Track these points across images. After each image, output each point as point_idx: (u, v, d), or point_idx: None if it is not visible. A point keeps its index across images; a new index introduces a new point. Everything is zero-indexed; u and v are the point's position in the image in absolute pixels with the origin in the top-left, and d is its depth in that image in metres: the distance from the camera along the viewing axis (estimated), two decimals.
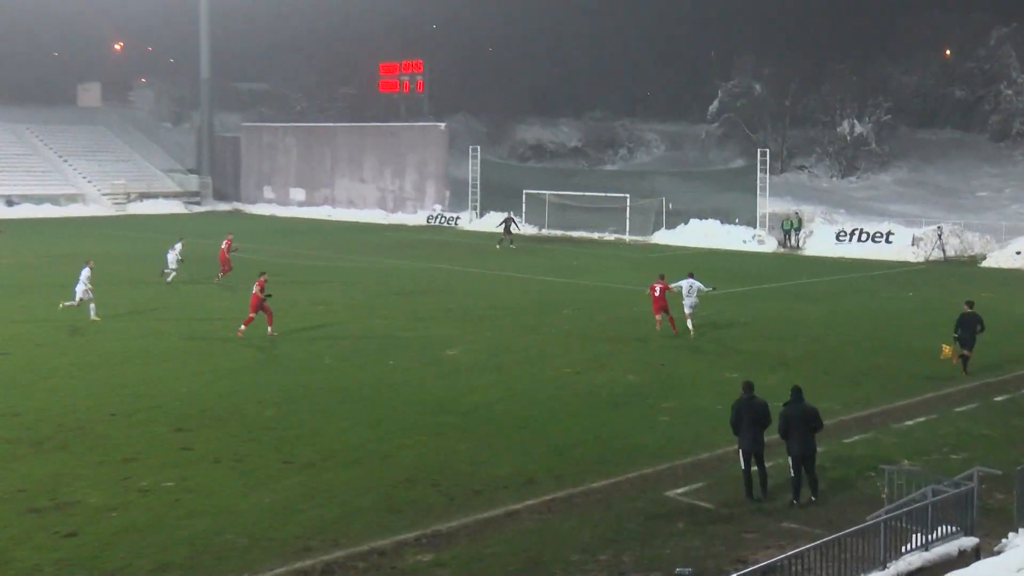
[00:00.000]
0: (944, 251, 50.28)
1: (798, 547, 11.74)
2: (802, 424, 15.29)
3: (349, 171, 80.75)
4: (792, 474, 15.34)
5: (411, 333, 28.81)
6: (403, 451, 17.70)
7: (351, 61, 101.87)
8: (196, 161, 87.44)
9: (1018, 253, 47.18)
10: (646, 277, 34.11)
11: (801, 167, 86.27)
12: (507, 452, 17.73)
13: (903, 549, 12.28)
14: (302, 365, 24.50)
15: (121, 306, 32.08)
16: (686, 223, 59.53)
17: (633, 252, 52.64)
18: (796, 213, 57.93)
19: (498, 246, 53.42)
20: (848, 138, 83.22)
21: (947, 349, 23.83)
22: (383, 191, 78.72)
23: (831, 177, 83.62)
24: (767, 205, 57.60)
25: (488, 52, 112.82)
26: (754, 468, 15.53)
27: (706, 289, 28.77)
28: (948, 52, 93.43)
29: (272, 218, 76.95)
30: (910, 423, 19.87)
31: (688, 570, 11.09)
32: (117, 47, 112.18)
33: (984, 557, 12.55)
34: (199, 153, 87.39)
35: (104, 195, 77.54)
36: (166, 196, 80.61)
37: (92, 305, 29.65)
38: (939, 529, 12.65)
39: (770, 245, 55.37)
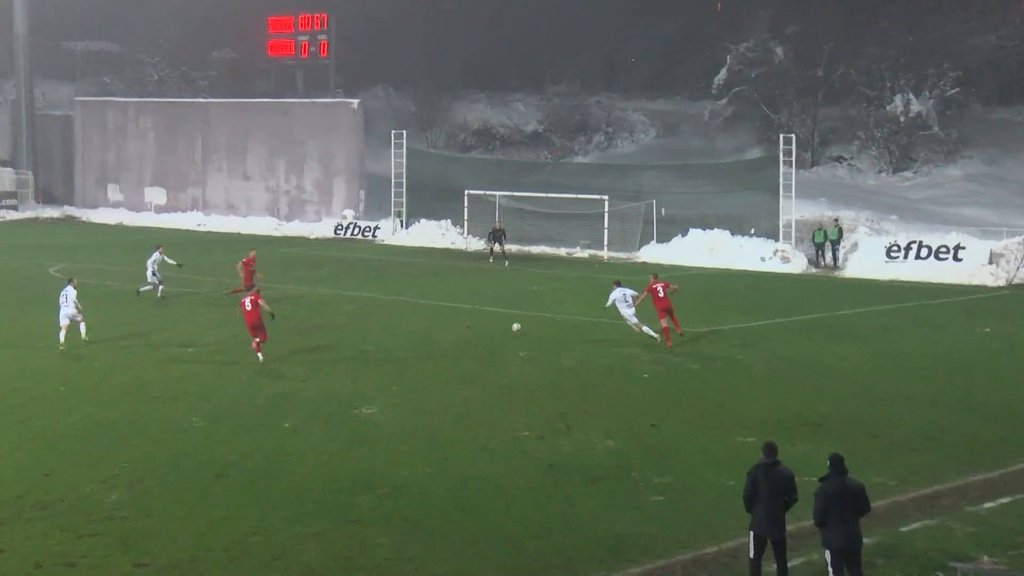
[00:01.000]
0: None
1: None
2: (844, 506, 15.31)
3: (228, 164, 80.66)
4: (831, 573, 15.38)
5: (312, 385, 28.64)
6: (302, 546, 17.56)
7: (229, 14, 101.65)
8: (10, 149, 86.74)
9: None
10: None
11: (838, 158, 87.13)
12: (444, 546, 17.63)
13: None
14: (164, 428, 24.24)
15: None
16: (684, 234, 59.97)
17: (612, 273, 52.77)
18: (833, 221, 58.52)
19: (491, 261, 57.12)
20: (902, 119, 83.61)
21: None
22: (274, 192, 78.72)
23: (879, 172, 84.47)
24: (793, 210, 58.13)
25: (417, 1, 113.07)
26: (771, 563, 15.56)
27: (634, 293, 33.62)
28: None
29: (120, 228, 76.52)
30: (990, 505, 19.96)
31: None
32: None
33: None
34: (14, 138, 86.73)
35: None
36: None
37: (83, 324, 33.51)
38: None
39: (798, 264, 55.86)
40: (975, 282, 50.02)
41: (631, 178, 67.32)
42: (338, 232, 72.59)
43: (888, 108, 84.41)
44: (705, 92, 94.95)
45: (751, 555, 15.61)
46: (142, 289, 42.96)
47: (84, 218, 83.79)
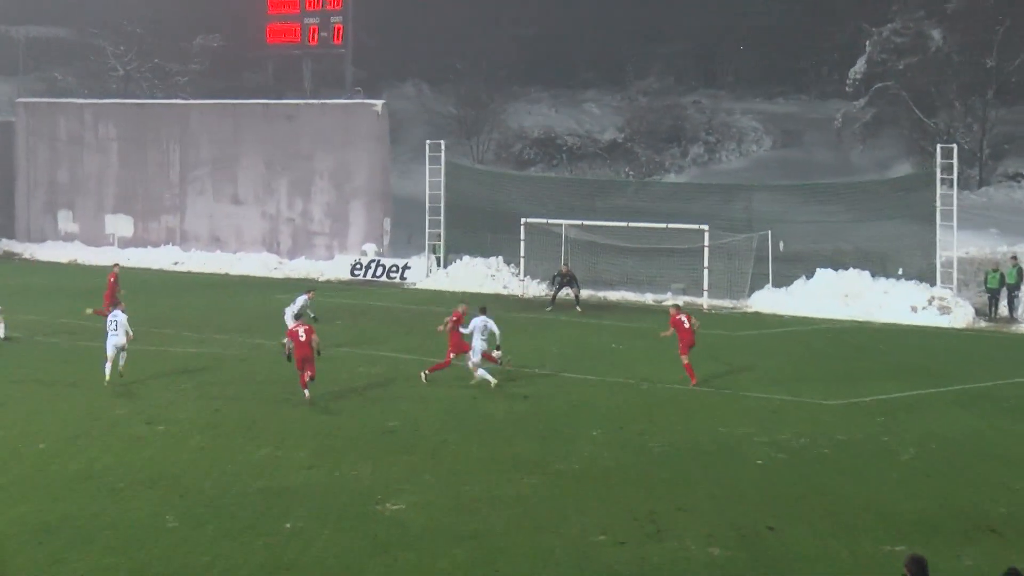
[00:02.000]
0: None
1: None
2: None
3: (213, 185, 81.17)
4: None
5: (320, 473, 28.68)
6: None
7: None
8: None
9: None
10: (729, 370, 33.76)
11: (1015, 176, 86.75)
12: None
13: None
14: (126, 530, 24.31)
15: None
16: (809, 276, 59.80)
17: (715, 326, 52.62)
18: (1011, 259, 58.13)
19: (549, 309, 58.31)
20: None
21: None
22: (273, 220, 79.05)
23: None
24: (955, 244, 57.81)
25: None
26: None
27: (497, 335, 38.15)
28: None
29: (73, 268, 77.04)
30: None
31: None
32: None
33: None
34: None
35: None
36: None
37: (123, 354, 37.80)
38: None
39: (962, 315, 55.52)
40: None
41: (740, 202, 67.24)
42: (355, 273, 72.70)
43: None
44: (837, 89, 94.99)
45: None
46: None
47: (27, 254, 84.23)
